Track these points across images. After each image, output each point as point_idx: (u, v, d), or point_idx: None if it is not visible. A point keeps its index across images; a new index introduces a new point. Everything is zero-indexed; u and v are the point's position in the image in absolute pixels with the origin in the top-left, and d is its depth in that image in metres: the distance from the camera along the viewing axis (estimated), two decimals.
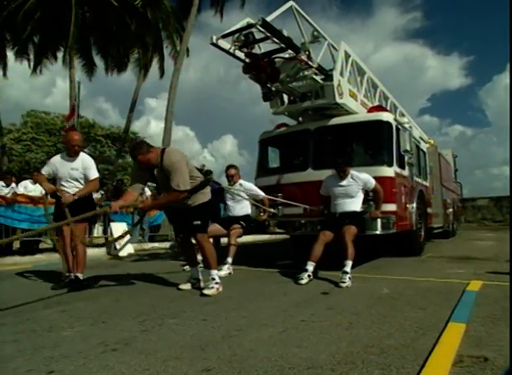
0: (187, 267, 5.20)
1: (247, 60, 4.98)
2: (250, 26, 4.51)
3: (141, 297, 3.51)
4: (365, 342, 2.06)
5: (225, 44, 4.80)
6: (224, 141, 76.35)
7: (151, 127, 57.29)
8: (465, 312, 2.60)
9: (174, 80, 12.41)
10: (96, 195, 8.42)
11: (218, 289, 3.59)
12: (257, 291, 3.64)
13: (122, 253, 7.39)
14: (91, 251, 7.68)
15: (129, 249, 7.65)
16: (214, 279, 3.63)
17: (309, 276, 3.92)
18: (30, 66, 16.03)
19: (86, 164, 4.12)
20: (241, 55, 4.99)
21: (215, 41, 4.63)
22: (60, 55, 16.63)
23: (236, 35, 4.77)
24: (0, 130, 17.38)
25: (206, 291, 3.52)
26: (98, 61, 17.04)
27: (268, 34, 4.58)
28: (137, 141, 3.66)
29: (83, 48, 16.37)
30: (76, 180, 4.12)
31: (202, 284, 3.82)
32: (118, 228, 7.62)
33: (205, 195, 3.67)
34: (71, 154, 4.09)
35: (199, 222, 3.61)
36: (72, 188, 4.09)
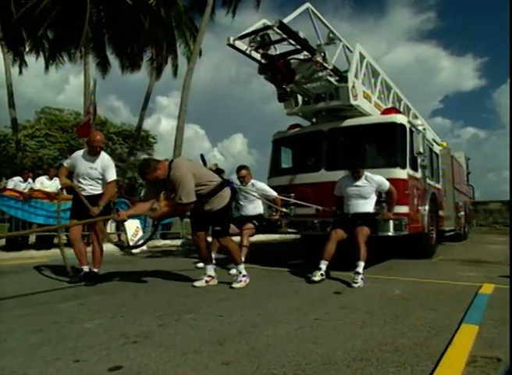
0: (200, 264, 5.29)
1: (263, 61, 5.03)
2: (267, 27, 4.57)
3: (157, 292, 3.59)
4: (379, 340, 2.11)
5: (241, 45, 4.86)
6: (234, 140, 76.71)
7: (161, 125, 57.91)
8: (478, 315, 2.63)
9: (187, 79, 12.49)
10: None
11: (245, 281, 3.79)
12: (270, 290, 3.70)
13: (135, 250, 7.51)
14: (105, 247, 7.82)
15: (142, 246, 7.75)
16: (241, 272, 3.82)
17: (322, 274, 3.97)
18: (45, 63, 16.25)
19: (105, 165, 4.19)
20: (257, 55, 5.04)
21: (231, 42, 4.70)
22: (74, 52, 16.90)
23: (252, 36, 4.84)
24: (15, 126, 17.66)
25: (235, 285, 3.73)
26: (112, 59, 17.24)
27: (285, 36, 4.63)
28: (144, 160, 3.85)
29: (98, 47, 16.57)
30: (93, 179, 4.20)
31: (216, 281, 3.91)
32: (131, 225, 7.73)
33: (223, 199, 3.73)
34: (92, 153, 4.17)
35: (219, 228, 3.78)
36: (88, 186, 4.19)
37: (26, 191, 7.14)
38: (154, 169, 3.49)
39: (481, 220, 18.47)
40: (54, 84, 53.76)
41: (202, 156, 5.56)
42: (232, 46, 4.77)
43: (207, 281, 3.89)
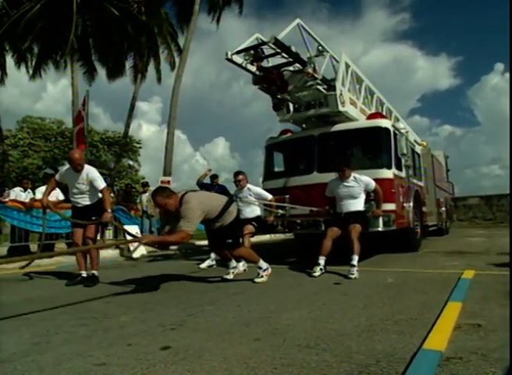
0: (202, 265, 5.65)
1: (258, 73, 5.42)
2: (263, 43, 4.96)
3: (173, 291, 3.91)
4: (381, 317, 2.50)
5: (238, 58, 5.23)
6: (216, 144, 76.84)
7: (142, 131, 57.71)
8: (461, 294, 3.06)
9: (176, 86, 12.80)
10: None
11: (267, 275, 4.18)
12: (275, 284, 4.05)
13: (136, 254, 7.78)
14: (106, 253, 8.06)
15: (142, 251, 8.01)
16: (261, 268, 4.19)
17: (321, 269, 4.36)
18: (32, 72, 16.23)
19: (91, 177, 4.47)
20: (252, 68, 5.42)
21: (230, 56, 5.06)
22: (59, 62, 16.95)
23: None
24: (1, 136, 17.57)
25: (257, 280, 4.11)
26: (98, 67, 17.36)
27: (279, 50, 5.02)
28: (161, 186, 4.17)
29: (84, 56, 16.68)
30: (83, 193, 4.53)
31: (241, 269, 4.69)
32: (130, 230, 7.96)
33: (231, 214, 4.03)
34: (75, 170, 4.44)
35: (230, 240, 4.10)
36: (80, 199, 4.55)
37: (27, 200, 7.33)
38: (167, 196, 3.68)
39: (462, 215, 19.20)
40: (31, 93, 52.95)
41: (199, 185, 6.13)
42: (230, 60, 5.13)
43: (233, 272, 4.44)
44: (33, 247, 7.76)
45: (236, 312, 2.86)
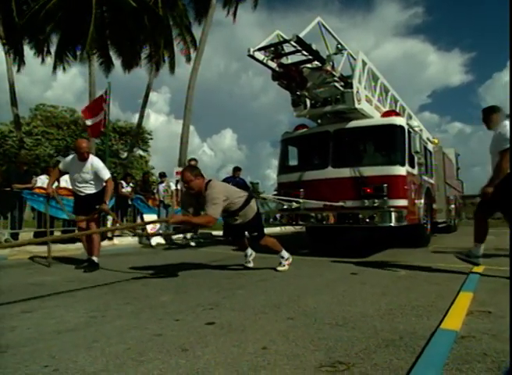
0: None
1: (277, 69, 5.63)
2: (285, 41, 5.17)
3: (201, 277, 4.20)
4: (399, 303, 2.76)
5: (259, 55, 5.44)
6: (223, 136, 77.12)
7: (151, 121, 58.23)
8: (472, 286, 3.31)
9: (192, 79, 13.01)
10: (127, 189, 9.11)
11: (288, 264, 4.44)
12: (295, 273, 4.30)
13: (153, 242, 8.11)
14: (126, 241, 8.39)
15: (159, 239, 8.34)
16: (283, 257, 4.46)
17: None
18: (42, 60, 16.56)
19: (96, 167, 4.72)
20: (272, 64, 5.63)
21: (252, 53, 5.27)
22: (81, 53, 17.21)
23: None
24: (18, 124, 17.94)
25: (279, 268, 4.39)
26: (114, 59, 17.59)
27: (300, 48, 5.23)
28: (194, 166, 4.43)
29: (101, 46, 16.89)
30: (87, 182, 4.77)
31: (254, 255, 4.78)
32: (149, 219, 8.29)
33: (252, 209, 4.29)
34: (81, 159, 4.68)
35: (256, 233, 4.36)
36: (83, 188, 4.79)
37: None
38: (195, 175, 3.92)
39: (470, 213, 19.22)
40: (41, 81, 53.62)
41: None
42: (252, 56, 5.34)
43: (252, 260, 4.73)
44: (57, 233, 8.11)
45: (265, 296, 3.13)
